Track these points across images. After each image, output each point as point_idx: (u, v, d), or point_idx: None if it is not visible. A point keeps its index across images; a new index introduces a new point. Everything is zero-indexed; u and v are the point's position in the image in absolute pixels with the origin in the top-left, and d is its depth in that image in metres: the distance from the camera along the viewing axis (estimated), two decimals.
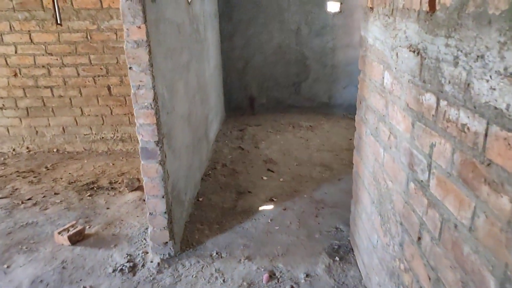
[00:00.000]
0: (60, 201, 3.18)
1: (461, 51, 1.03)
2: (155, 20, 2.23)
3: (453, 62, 1.08)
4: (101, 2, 3.79)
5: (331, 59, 5.59)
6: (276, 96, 5.77)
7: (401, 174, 1.53)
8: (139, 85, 2.10)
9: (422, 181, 1.32)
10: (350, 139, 4.55)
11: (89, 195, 3.27)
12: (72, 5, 3.80)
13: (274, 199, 3.16)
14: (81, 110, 4.15)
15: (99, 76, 4.02)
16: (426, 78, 1.26)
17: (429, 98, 1.25)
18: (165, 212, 2.33)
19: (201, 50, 3.77)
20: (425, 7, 1.26)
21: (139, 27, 2.02)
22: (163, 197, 2.30)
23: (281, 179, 3.54)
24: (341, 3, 5.33)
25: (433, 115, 1.22)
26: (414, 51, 1.37)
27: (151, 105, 2.13)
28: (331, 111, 5.68)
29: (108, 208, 3.05)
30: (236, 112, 5.72)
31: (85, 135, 4.24)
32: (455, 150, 1.08)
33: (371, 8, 1.92)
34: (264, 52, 5.57)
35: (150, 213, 2.34)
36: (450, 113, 1.10)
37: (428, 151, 1.26)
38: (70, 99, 4.10)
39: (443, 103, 1.15)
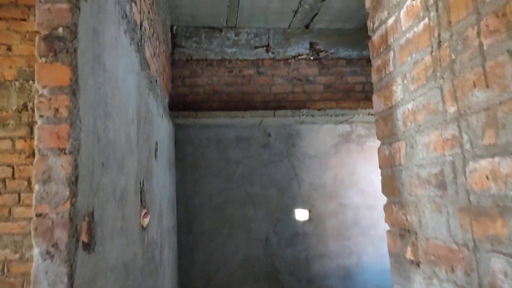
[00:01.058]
0: None
1: None
2: (90, 276, 1.49)
3: None
4: None
5: (305, 272, 4.86)
6: None
7: None
8: None
9: None
10: None
11: None
12: None
13: None
14: None
15: None
16: None
17: None
18: None
19: (155, 281, 2.93)
20: None
21: None
22: None
23: None
24: (309, 211, 5.00)
25: None
26: None
27: None
28: None
29: None
30: None
31: None
32: None
33: (415, 263, 1.34)
34: (229, 266, 4.78)
35: None
36: None
37: None
38: None
39: None
